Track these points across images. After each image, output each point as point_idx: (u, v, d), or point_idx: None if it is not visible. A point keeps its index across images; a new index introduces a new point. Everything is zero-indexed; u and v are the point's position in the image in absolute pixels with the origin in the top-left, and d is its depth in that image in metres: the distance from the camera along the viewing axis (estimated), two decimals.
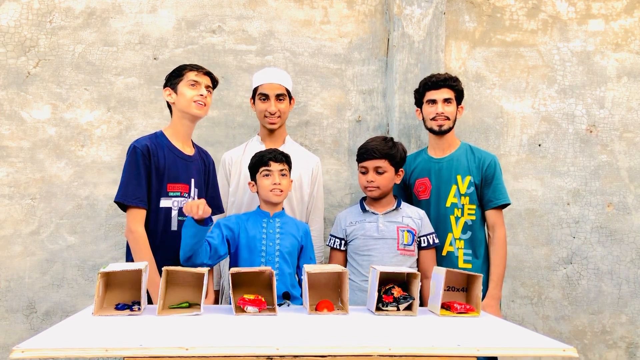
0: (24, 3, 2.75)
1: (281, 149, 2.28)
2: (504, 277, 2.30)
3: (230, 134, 2.82)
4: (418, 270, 2.03)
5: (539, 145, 2.95)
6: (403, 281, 1.84)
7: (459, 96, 2.37)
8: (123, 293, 1.70)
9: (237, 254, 2.03)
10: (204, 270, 1.70)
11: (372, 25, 2.93)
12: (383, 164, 2.17)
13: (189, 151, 2.14)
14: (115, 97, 2.78)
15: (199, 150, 2.22)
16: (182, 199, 2.05)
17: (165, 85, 2.11)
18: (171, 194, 2.02)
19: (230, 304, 1.72)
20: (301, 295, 2.04)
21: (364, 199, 2.30)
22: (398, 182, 2.27)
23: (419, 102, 2.43)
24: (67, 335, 1.33)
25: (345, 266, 2.23)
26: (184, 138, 2.13)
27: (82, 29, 2.78)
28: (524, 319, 2.89)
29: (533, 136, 2.95)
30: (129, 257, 1.99)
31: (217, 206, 2.24)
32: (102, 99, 2.77)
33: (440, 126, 2.33)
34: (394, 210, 2.22)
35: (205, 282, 1.67)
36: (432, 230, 2.24)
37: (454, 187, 2.32)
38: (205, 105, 2.08)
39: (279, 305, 1.86)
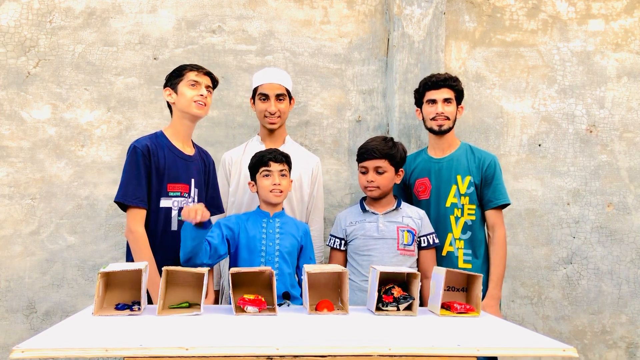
0: (24, 3, 2.75)
1: (281, 149, 2.28)
2: (503, 277, 2.30)
3: (230, 134, 2.82)
4: (418, 270, 2.03)
5: (539, 145, 2.95)
6: (403, 281, 1.84)
7: (459, 96, 2.37)
8: (123, 293, 1.70)
9: (237, 254, 2.03)
10: (204, 270, 1.70)
11: (372, 25, 2.93)
12: (383, 164, 2.17)
13: (189, 151, 2.14)
14: (115, 97, 2.78)
15: (199, 150, 2.22)
16: (182, 199, 2.05)
17: (165, 85, 2.11)
18: (171, 194, 2.02)
19: (230, 304, 1.72)
20: (301, 295, 2.04)
21: (364, 199, 2.30)
22: (398, 182, 2.27)
23: (419, 102, 2.43)
24: (67, 335, 1.33)
25: (345, 266, 2.23)
26: (184, 138, 2.13)
27: (82, 29, 2.78)
28: (524, 319, 2.89)
29: (533, 136, 2.95)
30: (129, 257, 1.99)
31: (217, 206, 2.24)
32: (102, 99, 2.77)
33: (440, 126, 2.33)
34: (394, 210, 2.22)
35: (205, 282, 1.67)
36: (432, 230, 2.24)
37: (453, 187, 2.32)
38: (205, 105, 2.08)
39: (279, 305, 1.86)
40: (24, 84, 2.73)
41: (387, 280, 1.81)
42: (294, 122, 2.84)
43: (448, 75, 2.36)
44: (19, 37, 2.74)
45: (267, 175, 2.05)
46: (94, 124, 2.76)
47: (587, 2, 2.99)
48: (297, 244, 2.09)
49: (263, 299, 1.70)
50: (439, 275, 1.79)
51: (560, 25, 2.98)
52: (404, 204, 2.27)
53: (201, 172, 2.16)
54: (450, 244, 2.30)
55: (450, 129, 2.36)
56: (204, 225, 1.79)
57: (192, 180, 2.09)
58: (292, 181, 2.17)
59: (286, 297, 1.99)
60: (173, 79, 2.08)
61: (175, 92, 2.07)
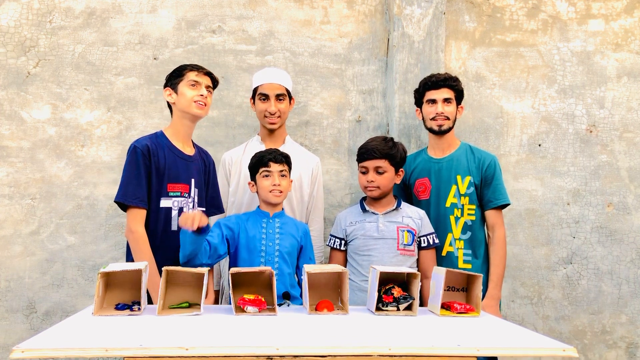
0: (24, 3, 2.75)
1: (281, 149, 2.28)
2: (503, 277, 2.30)
3: (230, 134, 2.82)
4: (418, 270, 2.03)
5: (539, 145, 2.95)
6: (403, 281, 1.84)
7: (459, 96, 2.37)
8: (123, 293, 1.70)
9: (237, 253, 2.03)
10: (204, 270, 1.70)
11: (372, 25, 2.93)
12: (383, 164, 2.17)
13: (189, 151, 2.14)
14: (115, 97, 2.78)
15: (199, 150, 2.22)
16: (182, 199, 2.05)
17: (165, 85, 2.11)
18: (171, 194, 2.02)
19: (230, 304, 1.72)
20: (301, 295, 2.04)
21: (364, 199, 2.30)
22: (398, 182, 2.27)
23: (418, 102, 2.43)
24: (67, 335, 1.33)
25: (345, 266, 2.23)
26: (184, 138, 2.13)
27: (82, 29, 2.78)
28: (524, 319, 2.89)
29: (533, 136, 2.95)
30: (129, 257, 1.99)
31: (217, 206, 2.24)
32: (102, 99, 2.77)
33: (440, 126, 2.33)
34: (394, 210, 2.22)
35: (205, 282, 1.67)
36: (432, 230, 2.24)
37: (453, 187, 2.32)
38: (205, 105, 2.08)
39: (279, 305, 1.86)
40: (24, 84, 2.73)
41: (387, 280, 1.81)
42: (294, 122, 2.84)
43: (448, 75, 2.36)
44: (19, 37, 2.74)
45: (266, 176, 2.05)
46: (94, 124, 2.76)
47: (587, 2, 2.99)
48: (297, 244, 2.09)
49: (263, 299, 1.70)
50: (439, 275, 1.79)
51: (560, 25, 2.98)
52: (404, 204, 2.27)
53: (201, 172, 2.16)
54: (450, 244, 2.30)
55: (450, 129, 2.36)
56: (202, 231, 1.79)
57: (192, 180, 2.09)
58: (292, 181, 2.17)
59: (286, 297, 1.99)
60: (173, 79, 2.08)
61: (176, 92, 2.07)
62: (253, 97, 2.43)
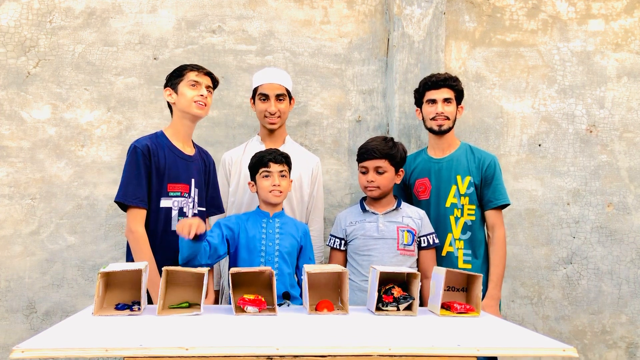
0: (24, 3, 2.75)
1: (281, 149, 2.28)
2: (503, 278, 2.30)
3: (230, 134, 2.82)
4: (418, 270, 2.03)
5: (539, 145, 2.95)
6: (403, 281, 1.84)
7: (459, 96, 2.37)
8: (123, 293, 1.71)
9: (237, 254, 2.03)
10: (204, 270, 1.70)
11: (372, 25, 2.93)
12: (383, 164, 2.17)
13: (190, 151, 2.14)
14: (115, 97, 2.78)
15: (200, 150, 2.22)
16: (183, 198, 2.05)
17: (165, 85, 2.11)
18: (171, 194, 2.02)
19: (230, 304, 1.72)
20: (300, 296, 2.04)
21: (364, 199, 2.30)
22: (398, 182, 2.27)
23: (418, 102, 2.43)
24: (67, 335, 1.33)
25: (345, 266, 2.23)
26: (185, 138, 2.13)
27: (82, 29, 2.78)
28: (524, 319, 2.89)
29: (533, 136, 2.95)
30: (129, 257, 1.99)
31: (217, 206, 2.24)
32: (102, 99, 2.77)
33: (440, 126, 2.33)
34: (394, 210, 2.22)
35: (205, 282, 1.67)
36: (432, 231, 2.24)
37: (453, 188, 2.32)
38: (205, 105, 2.08)
39: (279, 305, 1.86)
40: (24, 84, 2.73)
41: (387, 280, 1.81)
42: (294, 122, 2.84)
43: (448, 75, 2.35)
44: (19, 37, 2.74)
45: (266, 176, 2.05)
46: (94, 124, 2.76)
47: (587, 2, 2.99)
48: (296, 244, 2.09)
49: (263, 299, 1.70)
50: (439, 275, 1.79)
51: (560, 25, 2.98)
52: (404, 204, 2.27)
53: (201, 172, 2.16)
54: (450, 244, 2.30)
55: (450, 129, 2.35)
56: (199, 237, 1.78)
57: (193, 180, 2.09)
58: (292, 181, 2.17)
59: (286, 297, 1.99)
60: (173, 79, 2.08)
61: (176, 92, 2.07)
62: (253, 97, 2.43)
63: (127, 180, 1.95)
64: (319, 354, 1.26)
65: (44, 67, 2.75)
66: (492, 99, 2.95)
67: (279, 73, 2.41)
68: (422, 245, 2.21)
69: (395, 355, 1.28)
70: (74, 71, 2.76)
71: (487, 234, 2.37)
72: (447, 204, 2.31)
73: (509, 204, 2.34)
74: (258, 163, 2.08)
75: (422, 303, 1.98)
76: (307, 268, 1.75)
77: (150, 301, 1.85)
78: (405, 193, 2.46)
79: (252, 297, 1.69)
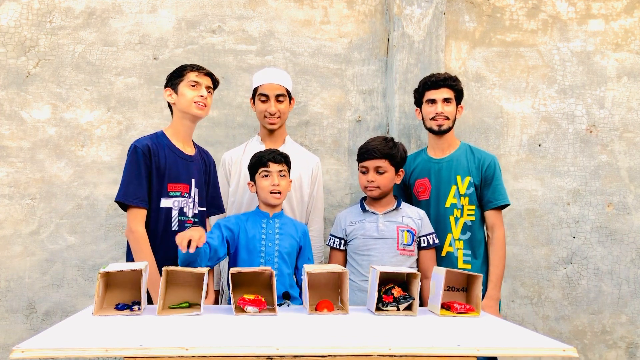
0: (24, 3, 2.75)
1: (281, 149, 2.28)
2: (503, 278, 2.30)
3: (230, 134, 2.82)
4: (418, 270, 2.03)
5: (539, 145, 2.95)
6: (403, 281, 1.84)
7: (459, 96, 2.37)
8: (123, 293, 1.71)
9: (237, 254, 2.03)
10: (204, 270, 1.70)
11: (372, 25, 2.93)
12: (383, 163, 2.17)
13: (190, 151, 2.14)
14: (115, 97, 2.78)
15: (200, 150, 2.22)
16: (183, 198, 2.05)
17: (165, 86, 2.11)
18: (172, 193, 2.02)
19: (230, 303, 1.72)
20: (300, 296, 2.04)
21: (364, 198, 2.30)
22: (398, 182, 2.27)
23: (418, 102, 2.43)
24: (67, 335, 1.33)
25: (345, 266, 2.23)
26: (185, 138, 2.13)
27: (82, 29, 2.78)
28: (524, 319, 2.89)
29: (533, 136, 2.95)
30: (129, 257, 1.99)
31: (217, 206, 2.24)
32: (102, 99, 2.77)
33: (440, 126, 2.33)
34: (394, 210, 2.22)
35: (205, 282, 1.67)
36: (432, 231, 2.24)
37: (453, 188, 2.32)
38: (205, 106, 2.09)
39: (279, 305, 1.86)
40: (24, 84, 2.73)
41: (387, 280, 1.81)
42: (294, 122, 2.84)
43: (448, 75, 2.35)
44: (19, 37, 2.74)
45: (266, 176, 2.05)
46: (94, 124, 2.76)
47: (587, 2, 2.99)
48: (296, 244, 2.09)
49: (263, 299, 1.70)
50: (439, 275, 1.79)
51: (560, 25, 2.98)
52: (404, 204, 2.27)
53: (202, 172, 2.16)
54: (450, 245, 2.30)
55: (449, 129, 2.35)
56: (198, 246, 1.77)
57: (193, 180, 2.09)
58: (291, 181, 2.17)
59: (286, 297, 1.99)
60: (173, 79, 2.08)
61: (176, 92, 2.07)
62: (253, 98, 2.43)
63: (128, 180, 1.95)
64: (319, 354, 1.26)
65: (44, 67, 2.75)
66: (492, 99, 2.95)
67: (279, 73, 2.41)
68: (422, 245, 2.21)
69: (395, 355, 1.28)
70: (74, 71, 2.76)
71: (487, 234, 2.37)
72: (447, 204, 2.31)
73: (508, 204, 2.34)
74: (257, 163, 2.08)
75: (422, 303, 1.98)
76: (307, 268, 1.75)
77: (150, 301, 1.85)
78: (405, 193, 2.46)
79: (252, 297, 1.69)
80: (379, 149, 2.16)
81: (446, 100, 2.32)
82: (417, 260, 2.22)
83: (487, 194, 2.31)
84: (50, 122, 2.74)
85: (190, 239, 1.68)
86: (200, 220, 2.11)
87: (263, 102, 2.36)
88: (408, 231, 2.18)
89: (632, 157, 2.96)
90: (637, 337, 2.91)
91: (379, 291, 1.77)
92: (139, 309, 1.63)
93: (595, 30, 2.99)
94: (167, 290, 1.72)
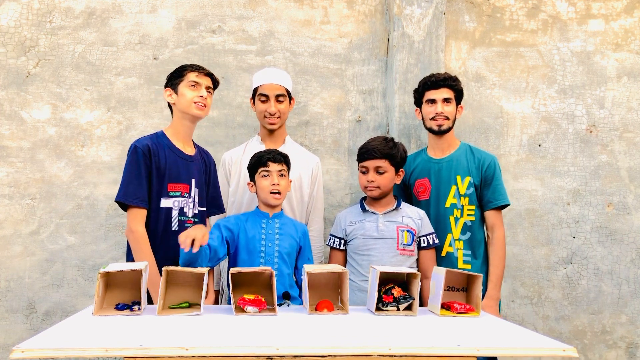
0: (24, 3, 2.75)
1: (281, 149, 2.28)
2: (503, 278, 2.30)
3: (230, 134, 2.82)
4: (418, 270, 2.03)
5: (539, 145, 2.95)
6: (403, 281, 1.84)
7: (459, 96, 2.37)
8: (123, 293, 1.71)
9: (237, 254, 2.03)
10: (204, 270, 1.70)
11: (372, 25, 2.93)
12: (383, 163, 2.17)
13: (190, 151, 2.14)
14: (115, 97, 2.78)
15: (200, 150, 2.22)
16: (183, 198, 2.05)
17: (166, 86, 2.11)
18: (172, 193, 2.03)
19: (230, 303, 1.72)
20: (300, 296, 2.04)
21: (364, 198, 2.30)
22: (398, 182, 2.27)
23: (418, 102, 2.43)
24: (67, 335, 1.33)
25: (345, 266, 2.23)
26: (185, 138, 2.13)
27: (82, 29, 2.78)
28: (524, 319, 2.89)
29: (533, 136, 2.95)
30: (130, 257, 1.99)
31: (217, 206, 2.24)
32: (102, 99, 2.77)
33: (440, 126, 2.33)
34: (393, 210, 2.22)
35: (205, 282, 1.67)
36: (432, 231, 2.24)
37: (453, 188, 2.31)
38: (205, 106, 2.09)
39: (279, 305, 1.86)
40: (24, 84, 2.73)
41: (387, 280, 1.81)
42: (294, 122, 2.84)
43: (447, 75, 2.35)
44: (19, 37, 2.74)
45: (265, 176, 2.05)
46: (94, 124, 2.76)
47: (587, 2, 2.99)
48: (296, 244, 2.09)
49: (263, 299, 1.70)
50: (439, 275, 1.79)
51: (560, 25, 2.98)
52: (404, 204, 2.27)
53: (202, 172, 2.16)
54: (450, 245, 2.30)
55: (449, 129, 2.35)
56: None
57: (193, 180, 2.09)
58: (291, 181, 2.17)
59: (286, 297, 1.99)
60: (174, 79, 2.08)
61: (176, 92, 2.07)
62: (253, 98, 2.43)
63: (128, 180, 1.95)
64: (319, 354, 1.26)
65: (44, 67, 2.75)
66: (492, 99, 2.95)
67: (279, 73, 2.41)
68: (422, 245, 2.21)
69: (395, 355, 1.28)
70: (74, 71, 2.76)
71: (487, 234, 2.37)
72: (447, 205, 2.31)
73: (508, 205, 2.34)
74: (257, 163, 2.08)
75: (422, 303, 1.98)
76: (307, 268, 1.75)
77: (150, 301, 1.85)
78: (405, 193, 2.46)
79: (252, 297, 1.69)
80: (379, 149, 2.16)
81: (446, 100, 2.32)
82: (417, 260, 2.22)
83: (487, 194, 2.31)
84: (50, 122, 2.74)
85: (193, 238, 1.68)
86: (200, 220, 2.11)
87: (263, 102, 2.36)
88: (408, 231, 2.18)
89: (632, 157, 2.96)
90: (637, 337, 2.91)
91: (379, 291, 1.77)
92: (139, 309, 1.63)
93: (595, 30, 2.99)
94: (167, 290, 1.72)
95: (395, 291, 1.76)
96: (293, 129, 2.83)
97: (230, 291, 1.69)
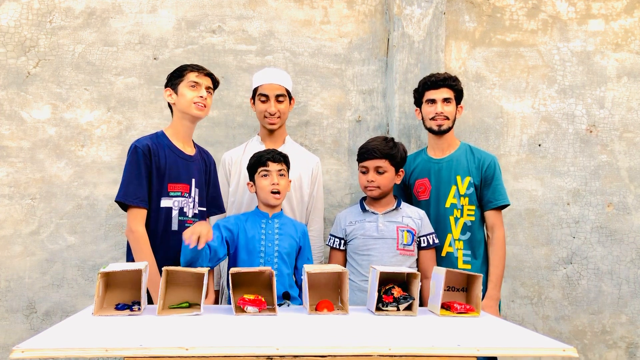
0: (24, 3, 2.75)
1: (281, 149, 2.28)
2: (502, 278, 2.30)
3: (230, 134, 2.82)
4: (418, 270, 2.03)
5: (539, 145, 2.95)
6: (403, 281, 1.84)
7: (459, 96, 2.37)
8: (123, 293, 1.71)
9: (236, 254, 2.03)
10: (204, 270, 1.70)
11: (372, 25, 2.93)
12: (383, 163, 2.17)
13: (190, 151, 2.14)
14: (115, 97, 2.78)
15: (200, 150, 2.22)
16: (183, 198, 2.05)
17: (166, 86, 2.11)
18: (172, 193, 2.03)
19: (230, 303, 1.72)
20: (299, 296, 2.04)
21: (364, 198, 2.30)
22: (398, 182, 2.27)
23: (418, 102, 2.43)
24: (67, 335, 1.33)
25: (345, 266, 2.23)
26: (185, 138, 2.13)
27: (82, 29, 2.78)
28: (524, 319, 2.89)
29: (533, 136, 2.95)
30: (130, 257, 1.99)
31: (218, 206, 2.24)
32: (102, 99, 2.77)
33: (440, 126, 2.33)
34: (393, 210, 2.22)
35: (205, 282, 1.67)
36: (432, 231, 2.24)
37: (453, 188, 2.31)
38: (205, 106, 2.08)
39: (279, 305, 1.86)
40: (24, 84, 2.73)
41: (387, 280, 1.81)
42: (294, 122, 2.84)
43: (447, 75, 2.35)
44: (19, 37, 2.74)
45: (265, 175, 2.05)
46: (94, 124, 2.76)
47: (587, 2, 2.99)
48: (295, 245, 2.09)
49: (263, 299, 1.70)
50: (439, 275, 1.79)
51: (560, 25, 2.98)
52: (404, 204, 2.27)
53: (202, 171, 2.16)
54: (450, 245, 2.30)
55: (449, 129, 2.35)
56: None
57: (193, 180, 2.09)
58: (290, 181, 2.17)
59: (286, 297, 1.99)
60: (174, 80, 2.08)
61: (176, 92, 2.07)
62: (253, 98, 2.43)
63: (128, 180, 1.95)
64: (319, 354, 1.26)
65: (44, 67, 2.75)
66: (492, 99, 2.95)
67: (279, 73, 2.41)
68: (422, 245, 2.21)
69: (395, 355, 1.28)
70: (74, 71, 2.76)
71: (487, 234, 2.37)
72: (447, 205, 2.31)
73: (508, 205, 2.34)
74: (257, 163, 2.08)
75: (422, 303, 1.98)
76: (307, 268, 1.75)
77: (150, 301, 1.85)
78: (405, 193, 2.46)
79: (252, 297, 1.69)
80: (379, 149, 2.16)
81: (446, 100, 2.32)
82: (417, 260, 2.22)
83: (487, 194, 2.31)
84: (50, 122, 2.74)
85: (199, 235, 1.68)
86: (200, 220, 2.11)
87: (263, 102, 2.36)
88: (408, 231, 2.18)
89: (632, 157, 2.96)
90: (637, 337, 2.91)
91: (379, 291, 1.77)
92: (139, 309, 1.63)
93: (595, 30, 2.99)
94: (167, 290, 1.72)
95: (395, 291, 1.76)
96: (293, 129, 2.83)
97: (230, 291, 1.69)
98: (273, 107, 2.34)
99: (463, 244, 2.29)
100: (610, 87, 2.98)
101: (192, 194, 2.09)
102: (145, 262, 1.74)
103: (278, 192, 2.05)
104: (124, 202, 1.94)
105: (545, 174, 2.94)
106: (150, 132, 2.14)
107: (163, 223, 2.00)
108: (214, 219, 2.23)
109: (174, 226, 2.01)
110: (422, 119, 2.42)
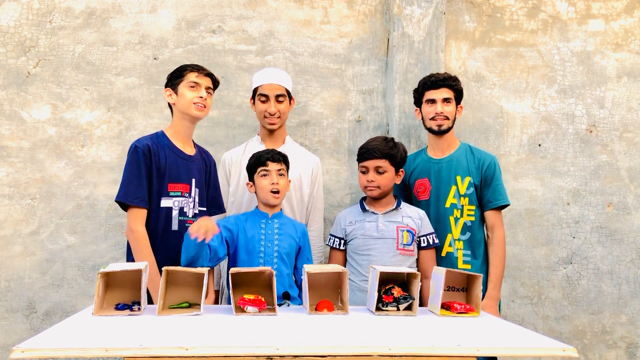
0: (24, 3, 2.75)
1: (281, 149, 2.28)
2: (502, 278, 2.30)
3: (230, 134, 2.82)
4: (418, 270, 2.03)
5: (539, 145, 2.95)
6: (403, 281, 1.84)
7: (458, 96, 2.37)
8: (123, 293, 1.71)
9: (236, 254, 2.03)
10: (204, 270, 1.70)
11: (372, 25, 2.93)
12: (383, 163, 2.17)
13: (190, 151, 2.14)
14: (115, 97, 2.78)
15: (200, 150, 2.22)
16: (183, 198, 2.05)
17: (166, 86, 2.11)
18: (172, 193, 2.03)
19: (230, 303, 1.72)
20: (299, 296, 2.04)
21: (364, 198, 2.30)
22: (398, 182, 2.27)
23: (418, 102, 2.43)
24: (67, 335, 1.33)
25: (345, 266, 2.23)
26: (185, 138, 2.13)
27: (82, 29, 2.78)
28: (524, 319, 2.89)
29: (533, 136, 2.95)
30: (130, 257, 1.99)
31: (218, 206, 2.24)
32: (102, 99, 2.77)
33: (440, 126, 2.33)
34: (393, 210, 2.22)
35: (205, 282, 1.67)
36: (432, 230, 2.24)
37: (453, 188, 2.31)
38: (205, 107, 2.08)
39: (279, 305, 1.86)
40: (24, 84, 2.73)
41: (387, 280, 1.81)
42: (294, 122, 2.84)
43: (447, 74, 2.35)
44: (19, 37, 2.74)
45: (264, 175, 2.05)
46: (94, 124, 2.76)
47: (587, 2, 2.99)
48: (295, 245, 2.09)
49: (263, 299, 1.70)
50: (439, 275, 1.79)
51: (560, 25, 2.98)
52: (403, 204, 2.27)
53: (202, 171, 2.16)
54: (450, 245, 2.30)
55: (449, 129, 2.35)
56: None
57: (193, 180, 2.10)
58: (290, 181, 2.17)
59: (286, 297, 1.99)
60: (174, 80, 2.08)
61: (176, 92, 2.07)
62: (253, 98, 2.43)
63: (128, 180, 1.95)
64: (319, 354, 1.26)
65: (44, 67, 2.75)
66: (492, 99, 2.95)
67: (279, 73, 2.41)
68: (422, 245, 2.22)
69: (395, 355, 1.28)
70: (74, 71, 2.76)
71: (487, 234, 2.37)
72: (447, 205, 2.31)
73: (508, 205, 2.34)
74: (256, 162, 2.09)
75: (422, 303, 1.98)
76: (307, 268, 1.75)
77: (150, 301, 1.85)
78: (405, 193, 2.46)
79: (252, 297, 1.69)
80: (379, 149, 2.16)
81: (446, 100, 2.32)
82: (417, 260, 2.22)
83: (487, 194, 2.31)
84: (50, 122, 2.74)
85: (205, 229, 1.69)
86: None
87: (263, 102, 2.36)
88: (408, 231, 2.18)
89: (632, 157, 2.96)
90: (637, 337, 2.91)
91: (379, 291, 1.77)
92: (139, 309, 1.63)
93: (595, 30, 2.99)
94: (167, 290, 1.72)
95: (395, 291, 1.76)
96: (293, 129, 2.83)
97: (230, 291, 1.69)
98: (273, 107, 2.34)
99: (463, 244, 2.29)
100: (610, 87, 2.98)
101: (192, 194, 2.09)
102: (145, 262, 1.74)
103: (277, 192, 2.05)
104: (124, 202, 1.94)
105: (545, 174, 2.94)
106: (150, 132, 2.14)
107: (163, 223, 2.00)
108: (214, 219, 2.22)
109: (174, 226, 2.02)
110: (422, 119, 2.42)
